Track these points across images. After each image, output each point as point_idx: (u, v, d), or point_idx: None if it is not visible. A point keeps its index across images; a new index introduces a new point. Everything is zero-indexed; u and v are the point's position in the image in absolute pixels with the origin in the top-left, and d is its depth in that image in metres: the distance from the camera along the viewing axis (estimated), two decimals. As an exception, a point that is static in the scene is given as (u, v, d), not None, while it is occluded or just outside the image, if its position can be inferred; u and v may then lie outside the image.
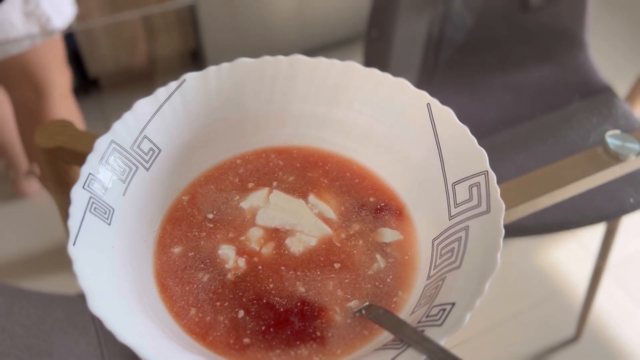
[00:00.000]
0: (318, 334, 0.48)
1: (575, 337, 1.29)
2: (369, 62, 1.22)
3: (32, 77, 1.16)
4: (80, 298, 0.76)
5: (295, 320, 0.48)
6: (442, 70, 1.23)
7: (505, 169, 0.99)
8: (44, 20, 1.12)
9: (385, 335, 0.47)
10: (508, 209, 0.59)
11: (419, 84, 0.56)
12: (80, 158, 0.49)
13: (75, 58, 1.67)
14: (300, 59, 0.58)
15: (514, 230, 0.92)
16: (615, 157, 0.66)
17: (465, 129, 0.53)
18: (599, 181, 0.66)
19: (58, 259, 1.33)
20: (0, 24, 1.06)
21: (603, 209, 0.94)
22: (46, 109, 1.20)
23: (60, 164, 0.67)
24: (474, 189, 0.50)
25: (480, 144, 0.51)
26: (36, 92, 1.18)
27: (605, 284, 1.35)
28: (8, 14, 1.06)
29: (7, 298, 0.74)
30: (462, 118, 0.54)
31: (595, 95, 1.16)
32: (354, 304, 0.50)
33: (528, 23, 1.25)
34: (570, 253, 1.44)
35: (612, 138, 0.67)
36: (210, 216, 0.56)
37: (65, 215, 0.45)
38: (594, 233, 1.38)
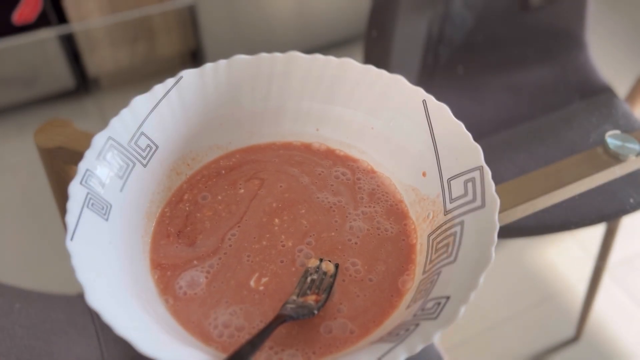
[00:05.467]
0: (316, 331, 0.48)
1: (575, 337, 1.29)
2: (368, 62, 1.21)
3: None
4: (80, 298, 0.76)
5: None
6: (442, 70, 1.23)
7: (505, 169, 0.99)
8: None
9: (381, 329, 0.47)
10: (508, 209, 0.59)
11: (419, 84, 0.56)
12: (79, 158, 0.49)
13: (75, 58, 1.68)
14: (296, 55, 0.59)
15: (514, 230, 0.92)
16: (615, 157, 0.65)
17: (461, 125, 0.53)
18: (599, 181, 0.66)
19: (58, 259, 1.33)
20: None
21: (603, 209, 0.94)
22: None
23: (60, 163, 0.67)
24: (469, 184, 0.50)
25: (481, 144, 0.52)
26: None
27: (605, 284, 1.35)
28: None
29: (7, 298, 0.73)
30: (462, 118, 0.54)
31: (595, 95, 1.15)
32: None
33: (528, 23, 1.24)
34: (570, 253, 1.44)
35: (612, 138, 0.67)
36: (208, 212, 0.56)
37: (64, 213, 0.45)
38: (594, 233, 1.39)
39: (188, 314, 0.48)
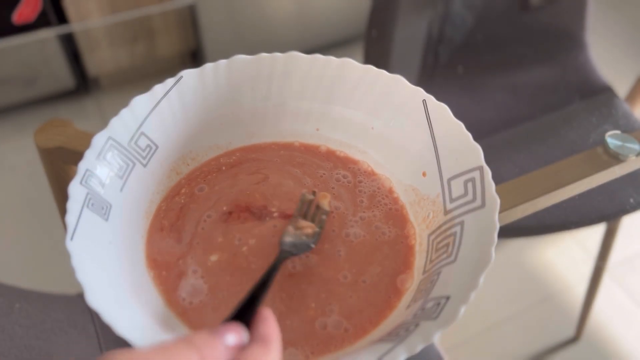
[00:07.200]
0: (311, 326, 0.48)
1: (575, 337, 1.29)
2: (368, 63, 1.21)
3: None
4: (80, 298, 0.76)
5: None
6: (442, 70, 1.23)
7: (505, 169, 0.99)
8: None
9: (380, 329, 0.47)
10: (508, 209, 0.59)
11: (419, 84, 0.56)
12: (79, 158, 0.49)
13: (75, 58, 1.68)
14: (296, 55, 0.59)
15: (514, 230, 0.92)
16: (615, 157, 0.65)
17: (461, 125, 0.53)
18: (599, 181, 0.66)
19: (58, 259, 1.33)
20: None
21: (603, 209, 0.94)
22: None
23: (60, 164, 0.67)
24: (469, 184, 0.50)
25: (481, 144, 0.52)
26: None
27: (605, 284, 1.35)
28: None
29: (7, 298, 0.73)
30: (462, 118, 0.54)
31: (595, 95, 1.15)
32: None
33: (528, 23, 1.24)
34: (570, 253, 1.44)
35: (612, 138, 0.67)
36: (208, 212, 0.56)
37: (64, 213, 0.45)
38: (594, 233, 1.39)
39: (201, 320, 0.48)
